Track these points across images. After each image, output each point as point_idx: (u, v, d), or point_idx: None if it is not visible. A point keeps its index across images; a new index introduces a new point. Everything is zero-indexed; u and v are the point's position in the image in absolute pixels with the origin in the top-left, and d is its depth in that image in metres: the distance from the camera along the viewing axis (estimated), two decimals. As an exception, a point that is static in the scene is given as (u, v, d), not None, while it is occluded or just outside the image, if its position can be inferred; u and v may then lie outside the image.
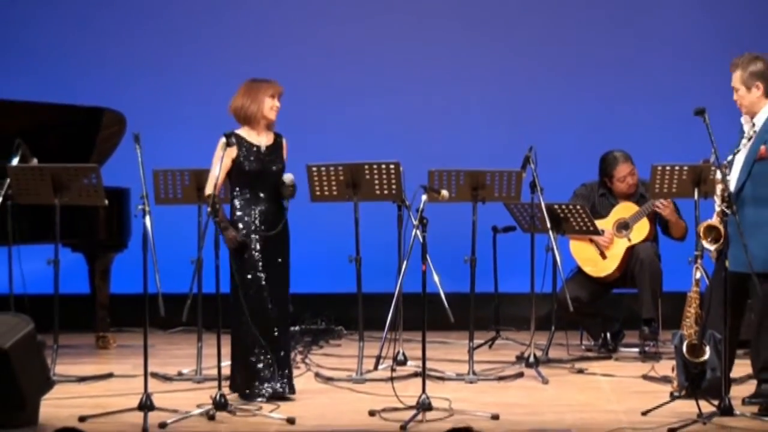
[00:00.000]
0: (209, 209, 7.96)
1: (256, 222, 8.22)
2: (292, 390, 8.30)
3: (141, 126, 8.39)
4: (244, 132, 8.26)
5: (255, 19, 11.42)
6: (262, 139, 8.29)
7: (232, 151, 8.17)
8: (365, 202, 9.23)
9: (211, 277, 8.20)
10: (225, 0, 11.45)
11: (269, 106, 8.28)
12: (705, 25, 11.24)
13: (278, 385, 8.23)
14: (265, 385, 8.22)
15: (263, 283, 8.23)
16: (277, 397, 8.16)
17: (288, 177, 8.26)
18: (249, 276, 8.21)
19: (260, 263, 8.22)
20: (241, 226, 8.19)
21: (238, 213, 8.21)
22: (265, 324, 8.23)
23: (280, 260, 8.34)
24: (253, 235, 8.20)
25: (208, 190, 8.16)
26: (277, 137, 8.36)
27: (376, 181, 9.14)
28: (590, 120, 11.16)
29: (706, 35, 11.17)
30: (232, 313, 8.21)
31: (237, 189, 8.25)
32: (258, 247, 8.21)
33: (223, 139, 8.14)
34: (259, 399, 8.15)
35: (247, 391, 8.23)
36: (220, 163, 8.07)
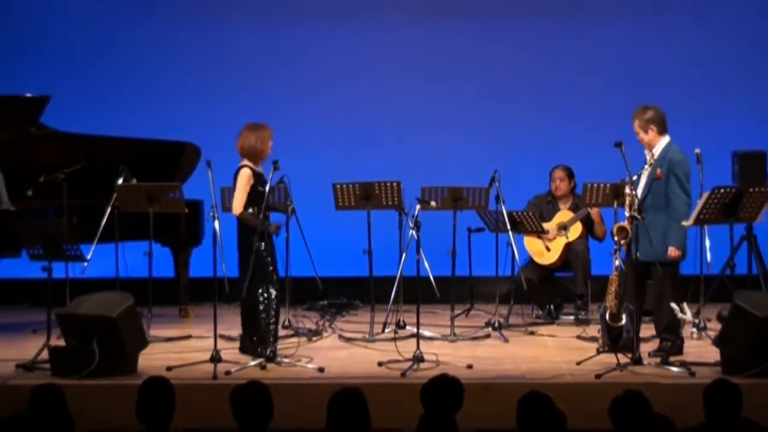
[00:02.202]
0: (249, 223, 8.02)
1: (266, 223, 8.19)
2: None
3: (212, 153, 8.44)
4: (251, 164, 8.19)
5: (289, 62, 11.34)
6: (260, 169, 8.25)
7: (251, 179, 8.11)
8: (375, 210, 9.23)
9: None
10: (254, 49, 11.34)
11: (269, 146, 8.25)
12: (637, 60, 11.15)
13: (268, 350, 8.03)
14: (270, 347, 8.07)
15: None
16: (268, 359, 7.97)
17: None
18: (270, 259, 8.18)
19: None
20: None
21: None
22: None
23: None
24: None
25: (241, 209, 8.05)
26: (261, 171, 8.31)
27: (383, 195, 9.18)
28: (541, 147, 11.06)
29: (638, 69, 11.09)
30: (260, 288, 8.09)
31: (254, 206, 8.12)
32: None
33: (250, 172, 8.10)
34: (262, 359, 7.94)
35: (261, 350, 8.04)
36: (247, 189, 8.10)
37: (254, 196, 8.13)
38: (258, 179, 8.17)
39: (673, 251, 7.82)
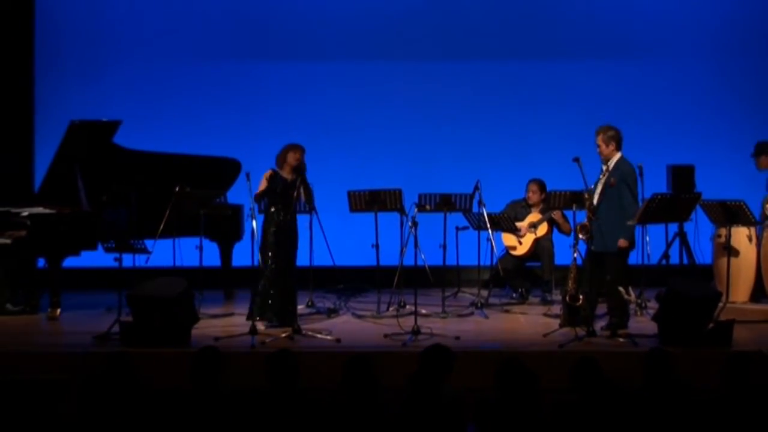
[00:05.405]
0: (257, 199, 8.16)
1: (279, 218, 8.26)
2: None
3: (251, 166, 8.43)
4: (278, 169, 8.30)
5: (316, 96, 11.25)
6: (285, 175, 8.30)
7: (269, 177, 8.21)
8: (381, 213, 9.21)
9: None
10: (286, 84, 11.25)
11: (292, 160, 8.27)
12: (596, 91, 11.09)
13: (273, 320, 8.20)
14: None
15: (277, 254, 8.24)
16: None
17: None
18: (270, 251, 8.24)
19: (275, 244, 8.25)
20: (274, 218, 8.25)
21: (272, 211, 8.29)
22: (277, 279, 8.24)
23: (291, 246, 8.35)
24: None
25: (257, 193, 8.15)
26: (295, 178, 8.31)
27: (388, 200, 9.16)
28: (515, 161, 11.01)
29: (597, 99, 11.01)
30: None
31: (271, 200, 8.28)
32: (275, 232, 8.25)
33: (270, 171, 8.22)
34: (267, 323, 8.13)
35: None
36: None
37: (270, 193, 8.23)
38: (276, 181, 8.25)
39: (622, 242, 7.81)
